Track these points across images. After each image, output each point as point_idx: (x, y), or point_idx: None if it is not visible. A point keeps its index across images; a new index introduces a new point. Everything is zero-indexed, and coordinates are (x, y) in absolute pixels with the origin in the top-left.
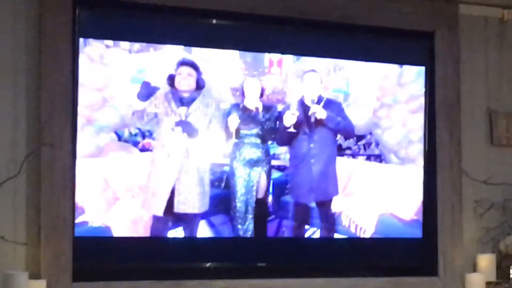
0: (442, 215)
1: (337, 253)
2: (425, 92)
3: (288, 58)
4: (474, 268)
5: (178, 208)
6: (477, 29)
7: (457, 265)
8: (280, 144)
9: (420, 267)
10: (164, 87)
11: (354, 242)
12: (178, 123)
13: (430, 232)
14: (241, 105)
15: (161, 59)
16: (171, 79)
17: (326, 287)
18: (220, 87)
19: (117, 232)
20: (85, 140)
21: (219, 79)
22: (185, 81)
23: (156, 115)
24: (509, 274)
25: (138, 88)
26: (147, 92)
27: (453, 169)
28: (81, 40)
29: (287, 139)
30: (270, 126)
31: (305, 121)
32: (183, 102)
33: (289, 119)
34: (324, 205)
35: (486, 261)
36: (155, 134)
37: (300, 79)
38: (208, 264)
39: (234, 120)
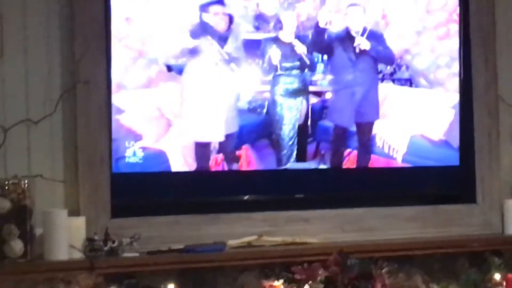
0: (479, 142)
1: (375, 183)
2: (460, 17)
3: None
4: None
5: (222, 133)
6: None
7: (495, 191)
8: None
9: (458, 195)
10: (203, 24)
11: (392, 171)
12: (222, 59)
13: (467, 160)
14: (278, 37)
15: None
16: (205, 18)
17: (364, 216)
18: (251, 19)
19: (171, 157)
20: (137, 72)
21: (250, 10)
22: (222, 20)
23: (200, 49)
24: None
25: (191, 25)
26: (200, 31)
27: (489, 95)
28: None
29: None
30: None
31: (351, 50)
32: (222, 38)
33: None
34: (364, 128)
35: None
36: (199, 65)
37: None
38: (246, 197)
39: (273, 53)
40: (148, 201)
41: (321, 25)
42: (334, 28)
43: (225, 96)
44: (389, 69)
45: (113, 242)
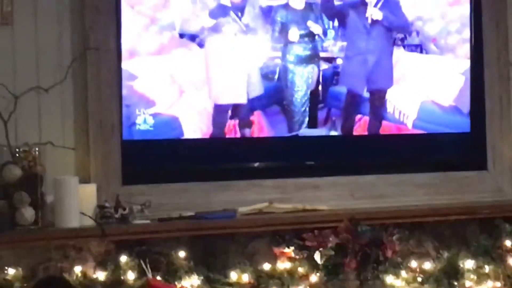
0: (490, 109)
1: (386, 149)
2: None
3: None
4: None
5: (237, 97)
6: None
7: (506, 158)
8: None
9: (469, 162)
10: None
11: (402, 138)
12: (240, 30)
13: (478, 126)
14: (288, 4)
15: None
16: None
17: (376, 183)
18: None
19: (184, 123)
20: (149, 39)
21: None
22: None
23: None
24: None
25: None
26: (220, 12)
27: (500, 62)
28: None
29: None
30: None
31: (364, 18)
32: (238, 8)
33: None
34: (377, 95)
35: None
36: (215, 35)
37: None
38: (256, 164)
39: (283, 19)
40: (159, 168)
41: None
42: None
43: (242, 62)
44: (399, 35)
45: (124, 209)
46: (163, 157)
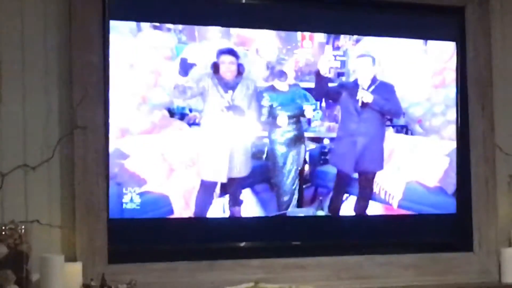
0: (476, 190)
1: (372, 230)
2: (456, 67)
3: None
4: (509, 243)
5: (224, 176)
6: (508, 3)
7: (492, 240)
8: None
9: (455, 243)
10: (209, 73)
11: (389, 219)
12: (228, 108)
13: (464, 208)
14: (278, 87)
15: (202, 47)
16: (215, 66)
17: (361, 264)
18: (259, 69)
19: (174, 201)
20: (141, 118)
21: (258, 61)
22: (229, 69)
23: (202, 93)
24: None
25: (177, 65)
26: (185, 68)
27: (486, 144)
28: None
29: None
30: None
31: (355, 100)
32: (228, 87)
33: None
34: (366, 176)
35: None
36: (203, 112)
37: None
38: (242, 244)
39: (272, 100)
40: (145, 247)
41: (322, 72)
42: (338, 77)
43: (230, 141)
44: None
45: None
46: (149, 236)
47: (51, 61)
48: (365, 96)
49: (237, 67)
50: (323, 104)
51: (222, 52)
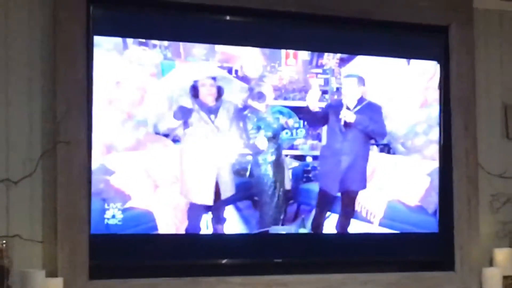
0: (458, 210)
1: (354, 248)
2: (440, 86)
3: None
4: (490, 263)
5: (211, 199)
6: (492, 23)
7: (474, 259)
8: (311, 125)
9: (437, 262)
10: (189, 100)
11: (371, 237)
12: (212, 132)
13: (446, 227)
14: (257, 108)
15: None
16: (194, 89)
17: (344, 282)
18: (238, 90)
19: (159, 218)
20: (126, 134)
21: (237, 82)
22: (210, 92)
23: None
24: None
25: (175, 108)
26: (182, 114)
27: (469, 163)
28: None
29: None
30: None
31: (339, 120)
32: (211, 111)
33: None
34: (349, 196)
35: (503, 255)
36: (187, 135)
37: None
38: (224, 261)
39: (255, 118)
40: (127, 262)
41: (311, 108)
42: (322, 95)
43: (220, 161)
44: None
45: None
46: (131, 252)
47: (34, 75)
48: (347, 116)
49: (217, 89)
50: (306, 122)
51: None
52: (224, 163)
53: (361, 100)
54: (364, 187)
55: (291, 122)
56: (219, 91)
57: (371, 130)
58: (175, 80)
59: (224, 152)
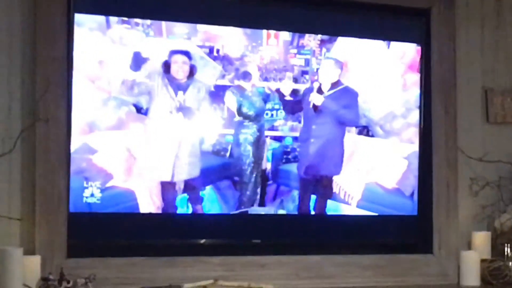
0: (437, 193)
1: (333, 230)
2: (420, 69)
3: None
4: (469, 246)
5: (180, 176)
6: (473, 7)
7: (452, 242)
8: (288, 113)
9: (415, 244)
10: (159, 72)
11: (349, 219)
12: (178, 109)
13: (425, 210)
14: (239, 85)
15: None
16: (166, 65)
17: (321, 264)
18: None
19: (140, 197)
20: (108, 113)
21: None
22: (181, 69)
23: (149, 93)
24: (503, 251)
25: (130, 58)
26: (138, 62)
27: (448, 147)
28: (100, 17)
29: (292, 109)
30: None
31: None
32: (179, 88)
33: (286, 88)
34: (324, 178)
35: (481, 238)
36: (151, 110)
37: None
38: (202, 241)
39: (234, 99)
40: (105, 241)
41: (286, 94)
42: (302, 75)
43: (187, 141)
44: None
45: (68, 282)
46: (109, 231)
47: (14, 53)
48: (315, 99)
49: (190, 67)
50: (286, 104)
51: (174, 52)
52: (187, 143)
53: (336, 84)
54: (338, 172)
55: (270, 105)
56: (192, 70)
57: (342, 115)
58: (150, 53)
59: (189, 131)
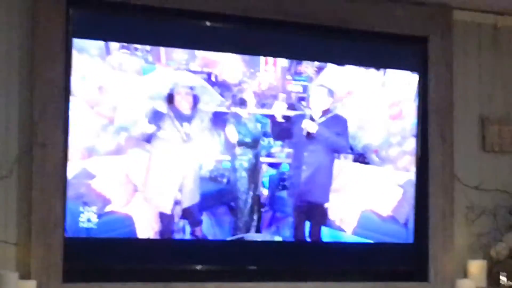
0: (433, 221)
1: (329, 257)
2: (418, 97)
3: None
4: (464, 274)
5: (179, 204)
6: (470, 35)
7: (448, 271)
8: (276, 139)
9: (411, 272)
10: (164, 107)
11: (345, 246)
12: (183, 139)
13: (421, 238)
14: (237, 114)
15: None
16: (170, 97)
17: None
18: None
19: (137, 222)
20: (107, 139)
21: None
22: (185, 100)
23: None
24: (499, 280)
25: (149, 112)
26: (156, 118)
27: (445, 175)
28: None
29: (282, 134)
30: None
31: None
32: (184, 119)
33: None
34: (316, 206)
35: (476, 267)
36: (155, 139)
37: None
38: (199, 267)
39: (232, 130)
40: (100, 266)
41: (277, 117)
42: (299, 101)
43: (190, 169)
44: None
45: None
46: (105, 256)
47: (12, 76)
48: (309, 126)
49: (193, 97)
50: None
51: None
52: (190, 171)
53: (326, 111)
54: (326, 200)
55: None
56: (195, 100)
57: (333, 142)
58: (153, 83)
59: (191, 160)
